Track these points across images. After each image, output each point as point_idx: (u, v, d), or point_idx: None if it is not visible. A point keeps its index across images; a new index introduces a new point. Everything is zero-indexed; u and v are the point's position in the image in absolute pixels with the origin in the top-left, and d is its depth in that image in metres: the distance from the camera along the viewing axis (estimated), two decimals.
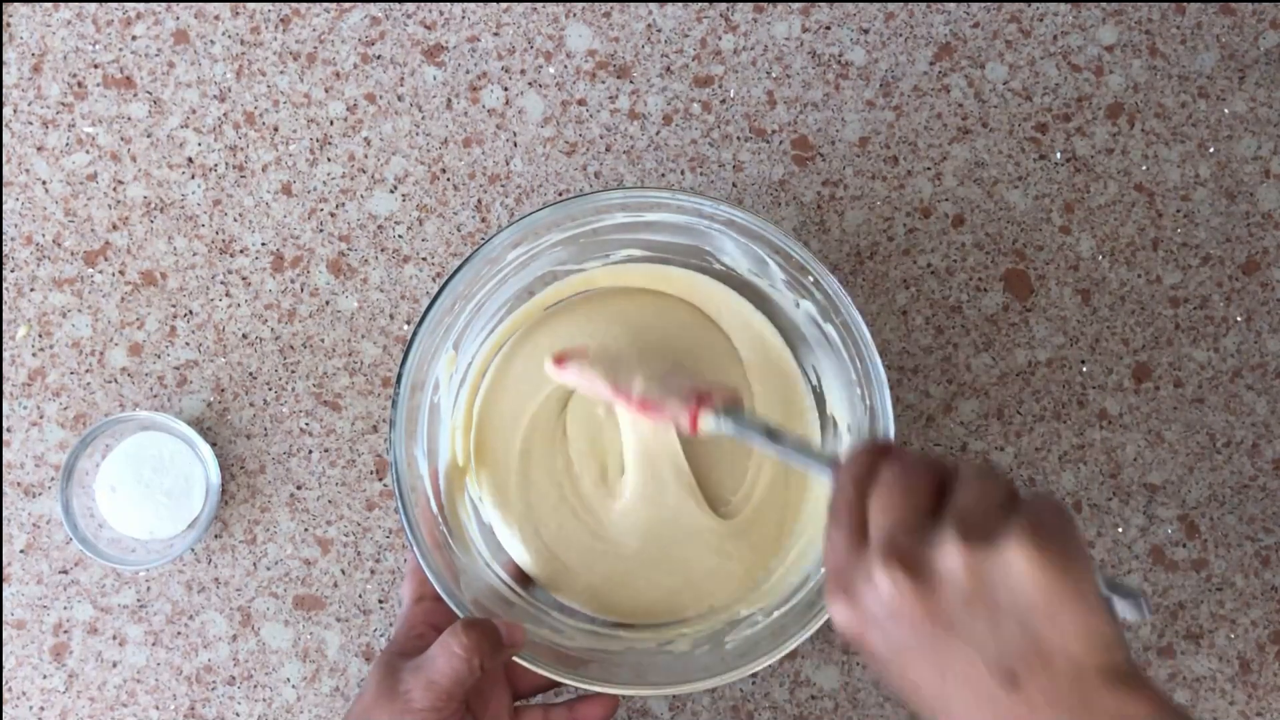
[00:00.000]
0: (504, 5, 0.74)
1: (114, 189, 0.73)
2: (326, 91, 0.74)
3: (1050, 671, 0.43)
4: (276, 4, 0.74)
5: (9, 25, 0.73)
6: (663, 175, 0.73)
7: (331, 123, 0.73)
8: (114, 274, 0.73)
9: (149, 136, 0.73)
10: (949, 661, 0.44)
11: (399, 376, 0.62)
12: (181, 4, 0.74)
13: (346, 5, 0.74)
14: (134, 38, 0.74)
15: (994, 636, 0.43)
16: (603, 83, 0.74)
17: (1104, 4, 0.74)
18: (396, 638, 0.62)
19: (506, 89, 0.74)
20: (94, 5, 0.74)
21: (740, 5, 0.74)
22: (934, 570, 0.44)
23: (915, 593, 0.44)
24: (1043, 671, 0.43)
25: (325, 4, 0.74)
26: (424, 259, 0.73)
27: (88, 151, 0.73)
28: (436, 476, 0.66)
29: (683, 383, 0.62)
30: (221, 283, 0.73)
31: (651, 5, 0.74)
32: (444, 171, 0.73)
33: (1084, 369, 0.73)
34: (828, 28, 0.74)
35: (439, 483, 0.66)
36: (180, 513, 0.71)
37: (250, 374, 0.72)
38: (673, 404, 0.62)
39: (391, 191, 0.73)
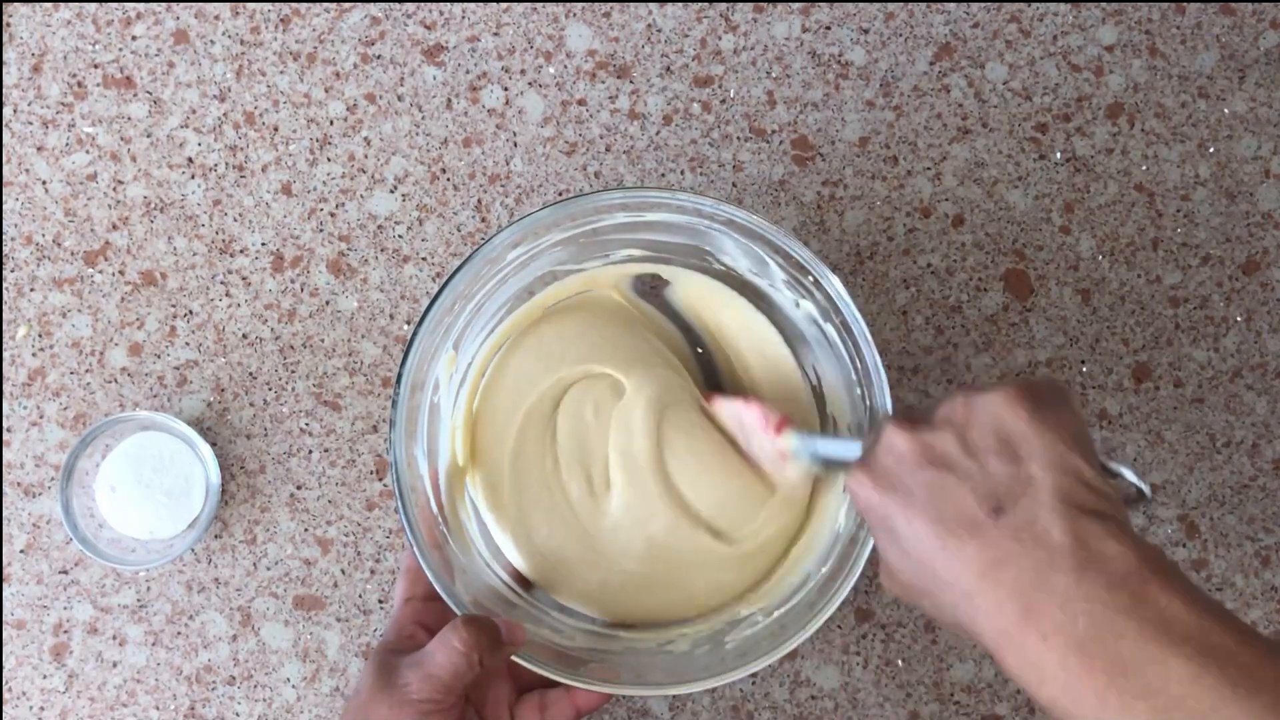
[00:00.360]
0: (504, 5, 0.74)
1: (114, 189, 0.73)
2: (326, 91, 0.74)
3: (1031, 499, 0.46)
4: (276, 4, 0.74)
5: (9, 25, 0.73)
6: (663, 175, 0.73)
7: (331, 123, 0.73)
8: (114, 274, 0.73)
9: (149, 136, 0.73)
10: (945, 502, 0.47)
11: (399, 376, 0.62)
12: (181, 4, 0.74)
13: (346, 5, 0.74)
14: (134, 38, 0.74)
15: (982, 473, 0.47)
16: (603, 83, 0.74)
17: (1104, 4, 0.74)
18: (388, 636, 0.62)
19: (506, 89, 0.74)
20: (94, 5, 0.74)
21: (740, 5, 0.74)
22: (933, 420, 0.50)
23: (917, 438, 0.49)
24: (1023, 498, 0.46)
25: (325, 4, 0.74)
26: (424, 259, 0.73)
27: (88, 151, 0.73)
28: (436, 477, 0.66)
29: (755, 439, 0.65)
30: (221, 283, 0.73)
31: (651, 5, 0.74)
32: (444, 171, 0.73)
33: (1084, 369, 0.73)
34: (828, 28, 0.74)
35: (439, 483, 0.66)
36: (180, 513, 0.71)
37: (250, 374, 0.72)
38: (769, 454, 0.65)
39: (391, 191, 0.73)
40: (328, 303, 0.73)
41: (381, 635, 0.66)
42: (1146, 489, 0.50)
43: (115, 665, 0.71)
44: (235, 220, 0.73)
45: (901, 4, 0.74)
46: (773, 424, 0.64)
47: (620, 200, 0.64)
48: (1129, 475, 0.50)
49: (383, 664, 0.58)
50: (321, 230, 0.73)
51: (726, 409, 0.67)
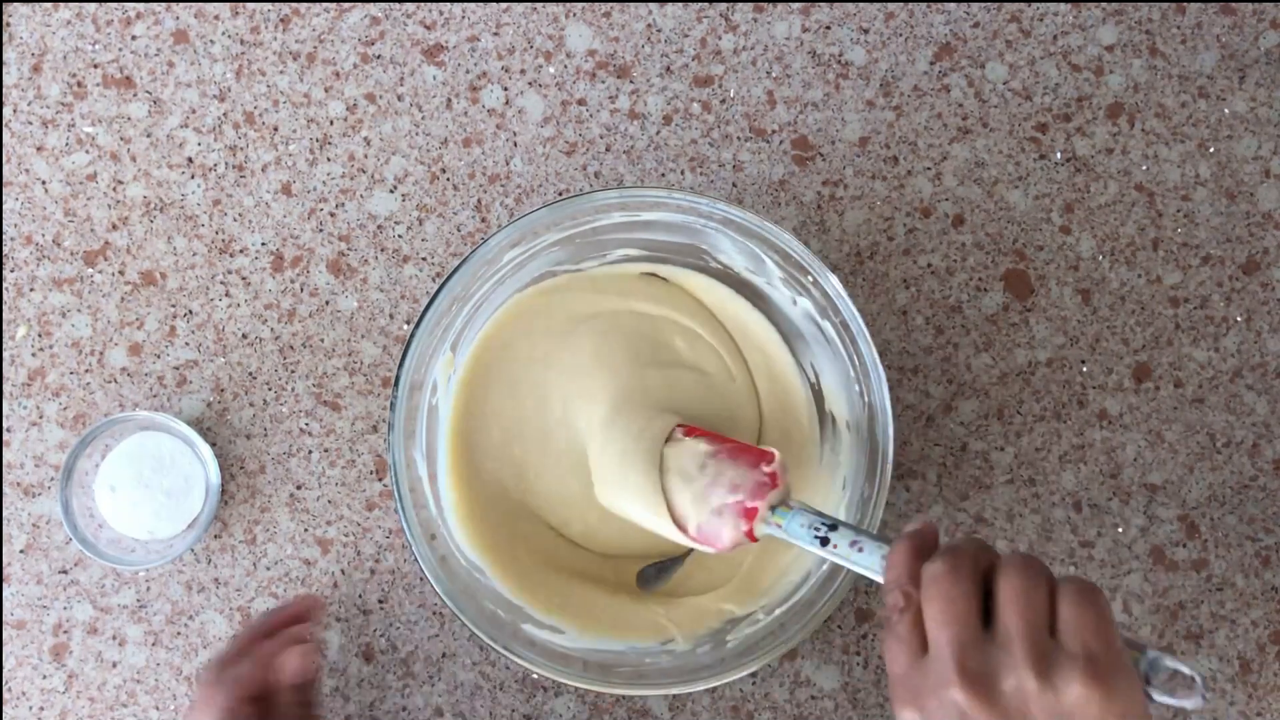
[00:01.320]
0: (504, 5, 0.74)
1: (114, 189, 0.73)
2: (326, 91, 0.74)
3: None
4: (276, 4, 0.74)
5: (9, 25, 0.74)
6: (663, 175, 0.73)
7: (331, 123, 0.73)
8: (114, 274, 0.73)
9: (149, 136, 0.73)
10: None
11: (397, 378, 0.62)
12: (181, 4, 0.74)
13: (346, 5, 0.74)
14: (134, 38, 0.74)
15: None
16: (603, 83, 0.74)
17: (1104, 4, 0.74)
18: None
19: (506, 89, 0.74)
20: (94, 5, 0.74)
21: (740, 5, 0.74)
22: (1003, 694, 0.46)
23: (989, 710, 0.46)
24: None
25: (325, 4, 0.74)
26: (424, 259, 0.73)
27: (87, 151, 0.73)
28: (435, 478, 0.66)
29: (719, 494, 0.62)
30: (221, 283, 0.73)
31: (651, 5, 0.74)
32: (444, 171, 0.73)
33: (1084, 369, 0.73)
34: (828, 28, 0.74)
35: (439, 484, 0.67)
36: (180, 513, 0.71)
37: (250, 374, 0.72)
38: (718, 523, 0.61)
39: (391, 191, 0.73)
40: (327, 303, 0.73)
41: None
42: (1202, 697, 0.48)
43: (115, 665, 0.71)
44: (235, 220, 0.73)
45: (901, 4, 0.74)
46: (762, 494, 0.61)
47: (617, 200, 0.64)
48: (1186, 703, 0.48)
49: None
50: (321, 230, 0.73)
51: (696, 448, 0.64)
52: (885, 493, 0.62)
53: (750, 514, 0.60)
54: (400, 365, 0.62)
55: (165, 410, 0.72)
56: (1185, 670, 0.48)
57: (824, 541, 0.56)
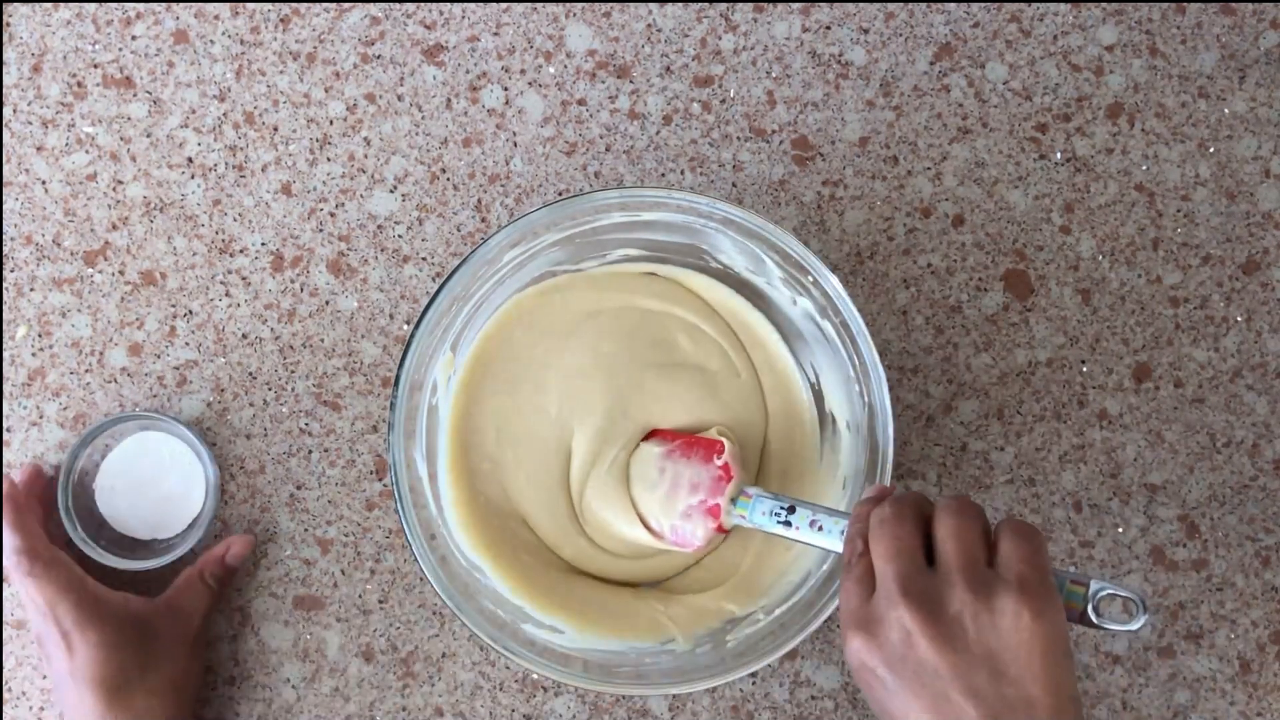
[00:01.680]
0: (504, 5, 0.74)
1: (114, 189, 0.73)
2: (326, 91, 0.74)
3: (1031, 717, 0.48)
4: (276, 4, 0.74)
5: (9, 25, 0.74)
6: (663, 175, 0.73)
7: (331, 123, 0.73)
8: (114, 274, 0.73)
9: (149, 136, 0.73)
10: (948, 707, 0.49)
11: (397, 379, 0.62)
12: (181, 4, 0.74)
13: (346, 5, 0.74)
14: (134, 38, 0.74)
15: (990, 687, 0.48)
16: (603, 83, 0.74)
17: (1104, 4, 0.74)
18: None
19: (506, 89, 0.74)
20: (94, 5, 0.74)
21: (740, 5, 0.74)
22: (945, 613, 0.50)
23: (932, 626, 0.49)
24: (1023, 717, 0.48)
25: (325, 4, 0.74)
26: (424, 259, 0.73)
27: (87, 151, 0.73)
28: (435, 478, 0.66)
29: (682, 496, 0.65)
30: (221, 283, 0.73)
31: (651, 5, 0.74)
32: (444, 171, 0.73)
33: (1084, 369, 0.73)
34: (828, 27, 0.74)
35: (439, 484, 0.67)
36: (180, 513, 0.71)
37: (250, 374, 0.72)
38: (689, 526, 0.65)
39: (391, 191, 0.73)
40: (327, 303, 0.73)
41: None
42: (1140, 616, 0.52)
43: None
44: (235, 220, 0.73)
45: (901, 4, 0.74)
46: (725, 484, 0.64)
47: (617, 200, 0.64)
48: (1122, 625, 0.52)
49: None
50: (321, 230, 0.73)
51: (652, 451, 0.67)
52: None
53: (714, 511, 0.64)
54: (400, 365, 0.62)
55: (165, 410, 0.72)
56: (1125, 594, 0.52)
57: (787, 524, 0.60)
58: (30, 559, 0.64)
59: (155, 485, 0.71)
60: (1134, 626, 0.52)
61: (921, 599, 0.50)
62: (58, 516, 0.68)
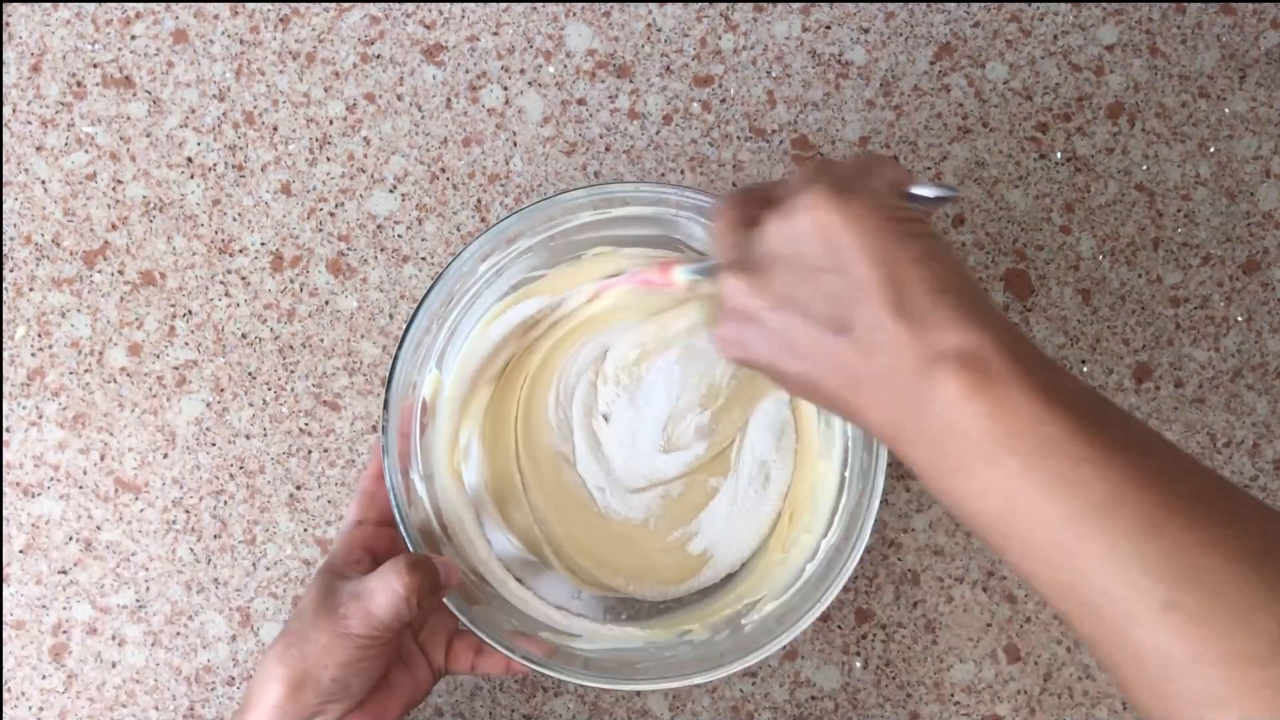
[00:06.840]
0: (504, 5, 0.74)
1: (113, 189, 0.73)
2: (326, 91, 0.74)
3: (869, 306, 0.44)
4: (276, 4, 0.74)
5: (9, 25, 0.73)
6: (663, 175, 0.73)
7: (331, 122, 0.73)
8: (113, 274, 0.73)
9: (148, 136, 0.73)
10: (795, 336, 0.47)
11: (385, 402, 0.62)
12: (181, 4, 0.74)
13: (346, 5, 0.74)
14: (133, 37, 0.73)
15: (818, 296, 0.46)
16: (603, 82, 0.74)
17: (1104, 4, 0.74)
18: (335, 556, 0.62)
19: (506, 88, 0.74)
20: (93, 5, 0.74)
21: (740, 5, 0.74)
22: (757, 259, 0.48)
23: (749, 283, 0.48)
24: (862, 307, 0.44)
25: (325, 4, 0.74)
26: (424, 259, 0.73)
27: (87, 151, 0.73)
28: (434, 494, 0.66)
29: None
30: (221, 282, 0.73)
31: (651, 5, 0.74)
32: (443, 171, 0.73)
33: (1084, 369, 0.73)
34: (828, 27, 0.74)
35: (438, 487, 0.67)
36: None
37: (249, 374, 0.72)
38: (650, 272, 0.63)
39: (391, 191, 0.73)
40: (327, 302, 0.73)
41: (329, 554, 0.66)
42: (948, 192, 0.49)
43: (114, 666, 0.71)
44: (235, 220, 0.73)
45: (902, 3, 0.74)
46: (666, 271, 0.62)
47: (585, 199, 0.64)
48: (934, 193, 0.49)
49: (327, 586, 0.58)
50: (321, 230, 0.73)
51: (626, 282, 0.67)
52: (884, 459, 0.62)
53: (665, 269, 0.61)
54: (388, 389, 0.62)
55: (165, 410, 0.72)
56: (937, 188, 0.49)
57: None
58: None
59: None
60: (945, 191, 0.49)
61: (740, 258, 0.48)
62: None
